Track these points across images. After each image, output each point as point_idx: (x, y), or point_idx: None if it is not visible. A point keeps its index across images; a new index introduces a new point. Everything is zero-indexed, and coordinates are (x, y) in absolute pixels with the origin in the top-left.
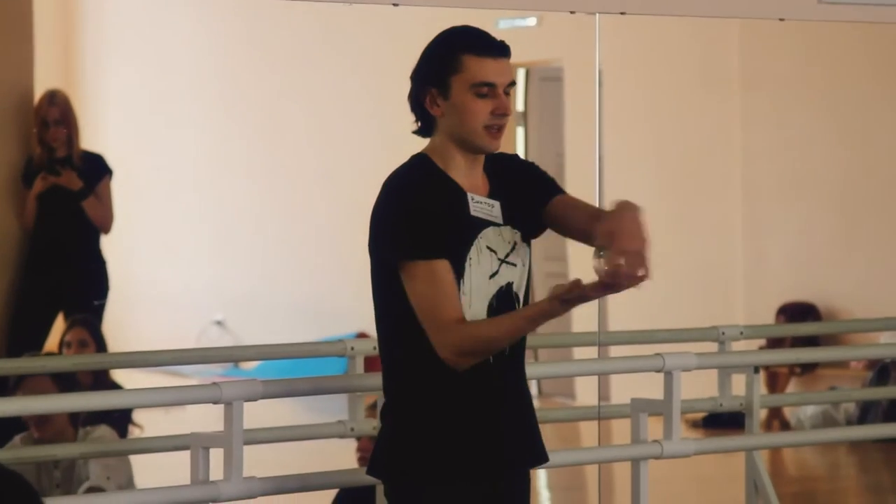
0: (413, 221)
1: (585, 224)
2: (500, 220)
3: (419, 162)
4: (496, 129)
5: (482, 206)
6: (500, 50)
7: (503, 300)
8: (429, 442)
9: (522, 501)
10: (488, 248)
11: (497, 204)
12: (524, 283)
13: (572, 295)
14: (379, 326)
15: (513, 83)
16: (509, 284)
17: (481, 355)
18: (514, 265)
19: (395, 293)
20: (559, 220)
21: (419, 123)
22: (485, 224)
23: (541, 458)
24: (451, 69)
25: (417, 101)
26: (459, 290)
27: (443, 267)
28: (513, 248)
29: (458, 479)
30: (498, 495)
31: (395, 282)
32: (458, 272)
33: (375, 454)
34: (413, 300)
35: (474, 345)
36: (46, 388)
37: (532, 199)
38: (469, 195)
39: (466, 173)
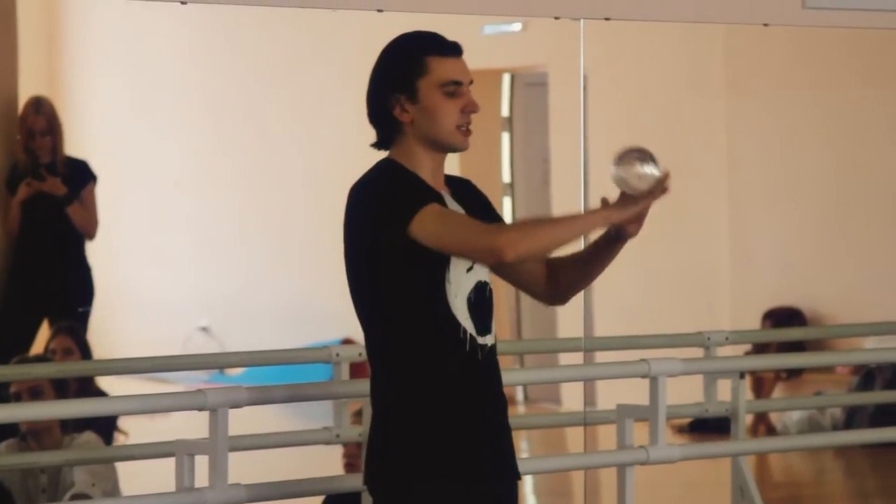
0: (398, 190)
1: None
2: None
3: (387, 164)
4: (465, 128)
5: (454, 206)
6: (457, 49)
7: (480, 296)
8: (420, 445)
9: None
10: None
11: (462, 210)
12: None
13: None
14: (367, 333)
15: (471, 82)
16: (485, 283)
17: (539, 239)
18: (485, 266)
19: (380, 293)
20: None
21: (380, 136)
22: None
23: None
24: (417, 72)
25: (384, 110)
26: (445, 278)
27: (445, 208)
28: None
29: (449, 482)
30: (489, 496)
31: (380, 279)
32: (445, 259)
33: (369, 463)
34: (443, 240)
35: (527, 227)
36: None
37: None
38: (443, 194)
39: (434, 176)
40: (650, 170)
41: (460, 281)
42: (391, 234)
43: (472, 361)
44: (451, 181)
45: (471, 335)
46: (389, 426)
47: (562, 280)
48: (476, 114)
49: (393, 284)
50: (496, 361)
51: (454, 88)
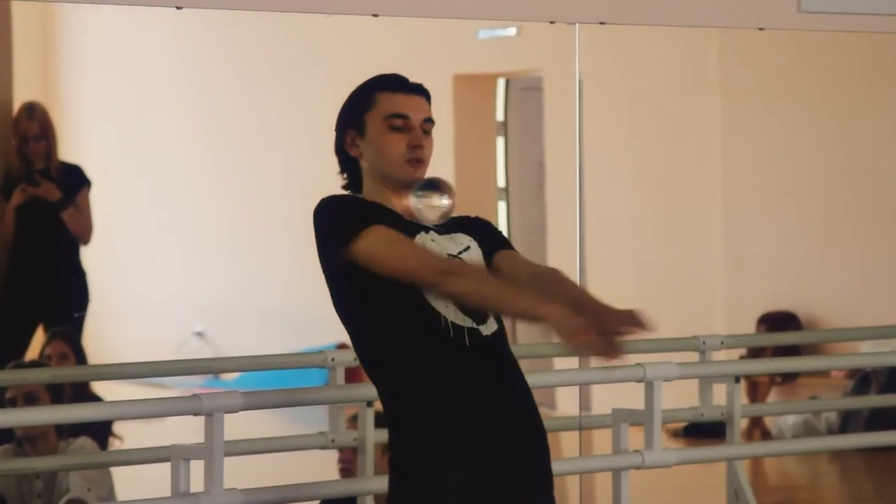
0: (347, 206)
1: (525, 282)
2: (443, 229)
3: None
4: (416, 161)
5: (436, 236)
6: (413, 88)
7: None
8: (420, 442)
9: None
10: (433, 241)
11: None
12: None
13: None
14: (357, 346)
15: (430, 120)
16: None
17: (468, 279)
18: (472, 260)
19: (356, 293)
20: (502, 274)
21: (346, 177)
22: (427, 228)
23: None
24: (366, 107)
25: (339, 147)
26: None
27: (390, 229)
28: (466, 249)
29: (458, 465)
30: (502, 482)
31: (353, 280)
32: None
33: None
34: (388, 266)
35: (464, 267)
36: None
37: (486, 242)
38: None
39: (405, 210)
40: (442, 201)
41: None
42: (338, 254)
43: (458, 348)
44: (466, 222)
45: (452, 322)
46: (395, 430)
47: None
48: (422, 148)
49: (365, 290)
50: (501, 350)
51: (401, 122)
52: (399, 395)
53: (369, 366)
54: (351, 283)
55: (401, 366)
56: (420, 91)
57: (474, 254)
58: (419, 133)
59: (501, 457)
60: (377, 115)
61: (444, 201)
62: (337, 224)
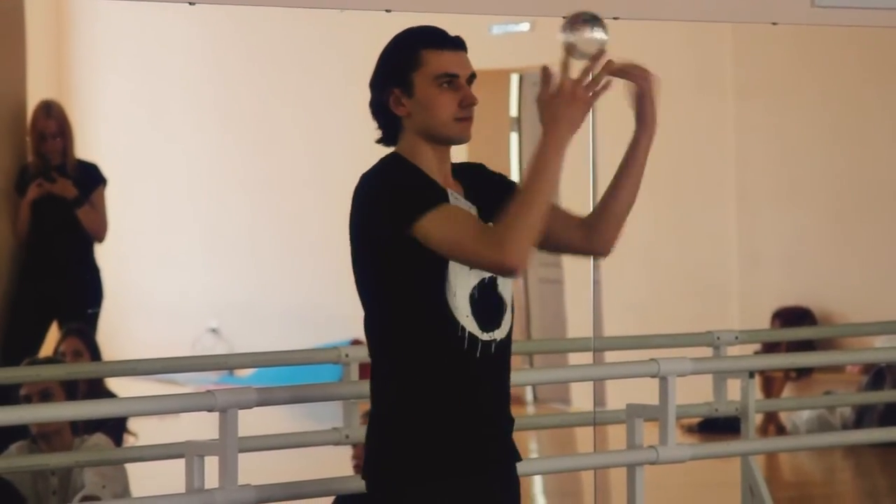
0: (403, 185)
1: (570, 230)
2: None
3: (393, 158)
4: (466, 120)
5: (462, 203)
6: (456, 43)
7: (484, 293)
8: (412, 446)
9: (513, 498)
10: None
11: (475, 208)
12: (509, 285)
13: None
14: (367, 327)
15: (474, 75)
16: (492, 279)
17: (534, 227)
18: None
19: (381, 289)
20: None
21: (382, 131)
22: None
23: (517, 455)
24: (412, 65)
25: (381, 105)
26: (445, 276)
27: (453, 206)
28: None
29: (448, 476)
30: (488, 491)
31: (383, 268)
32: (443, 259)
33: (366, 458)
34: (445, 247)
35: (522, 227)
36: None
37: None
38: (449, 191)
39: (438, 169)
40: (599, 34)
41: (461, 278)
42: (392, 230)
43: (469, 359)
44: (463, 170)
45: (470, 333)
46: (384, 423)
47: (603, 227)
48: (476, 107)
49: (393, 281)
50: (504, 355)
51: (450, 81)
52: (395, 391)
53: (377, 354)
54: (385, 268)
55: (407, 363)
56: (463, 46)
57: None
58: (469, 90)
59: (487, 463)
60: (426, 75)
61: (599, 34)
62: (399, 198)
